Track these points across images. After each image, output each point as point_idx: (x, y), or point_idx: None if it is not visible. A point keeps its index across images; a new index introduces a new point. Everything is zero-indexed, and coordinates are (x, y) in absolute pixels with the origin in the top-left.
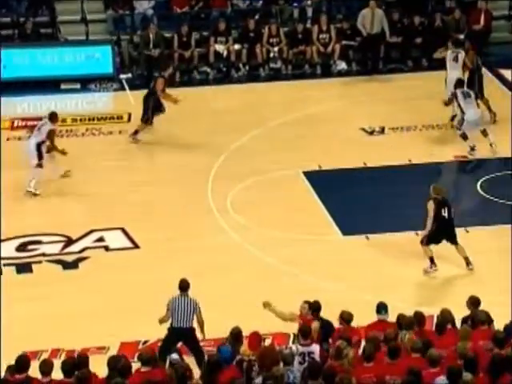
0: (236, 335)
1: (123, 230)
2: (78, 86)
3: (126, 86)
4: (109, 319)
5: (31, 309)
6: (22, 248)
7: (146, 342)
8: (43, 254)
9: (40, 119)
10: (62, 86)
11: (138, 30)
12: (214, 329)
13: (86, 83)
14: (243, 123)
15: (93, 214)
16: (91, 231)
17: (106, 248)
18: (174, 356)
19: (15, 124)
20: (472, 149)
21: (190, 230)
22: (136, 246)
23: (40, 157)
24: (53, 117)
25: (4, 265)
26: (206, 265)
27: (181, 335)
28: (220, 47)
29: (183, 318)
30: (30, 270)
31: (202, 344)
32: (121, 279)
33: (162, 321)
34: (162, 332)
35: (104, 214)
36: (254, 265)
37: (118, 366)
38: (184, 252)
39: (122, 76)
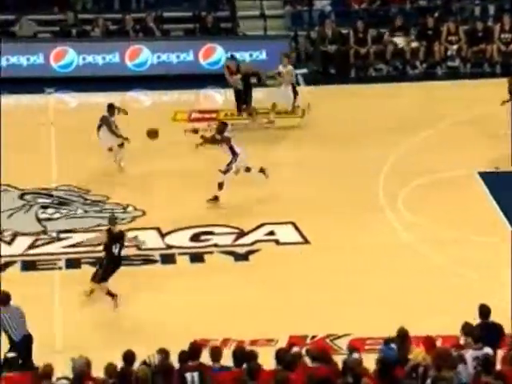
0: (403, 336)
1: (294, 225)
2: (254, 79)
3: (301, 82)
4: (278, 312)
5: (202, 298)
6: (195, 238)
7: (314, 337)
8: (215, 245)
9: (215, 112)
10: None
11: (316, 26)
12: (379, 327)
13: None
14: (416, 121)
15: (264, 207)
16: (262, 224)
17: (277, 242)
18: None
19: (192, 116)
20: None
21: (360, 228)
22: (306, 241)
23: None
24: (109, 108)
25: (178, 254)
26: (374, 263)
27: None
28: (399, 40)
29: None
30: (202, 260)
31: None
32: (290, 273)
33: None
34: (331, 328)
35: (275, 208)
36: (423, 264)
37: (285, 359)
38: (353, 249)
39: (297, 71)
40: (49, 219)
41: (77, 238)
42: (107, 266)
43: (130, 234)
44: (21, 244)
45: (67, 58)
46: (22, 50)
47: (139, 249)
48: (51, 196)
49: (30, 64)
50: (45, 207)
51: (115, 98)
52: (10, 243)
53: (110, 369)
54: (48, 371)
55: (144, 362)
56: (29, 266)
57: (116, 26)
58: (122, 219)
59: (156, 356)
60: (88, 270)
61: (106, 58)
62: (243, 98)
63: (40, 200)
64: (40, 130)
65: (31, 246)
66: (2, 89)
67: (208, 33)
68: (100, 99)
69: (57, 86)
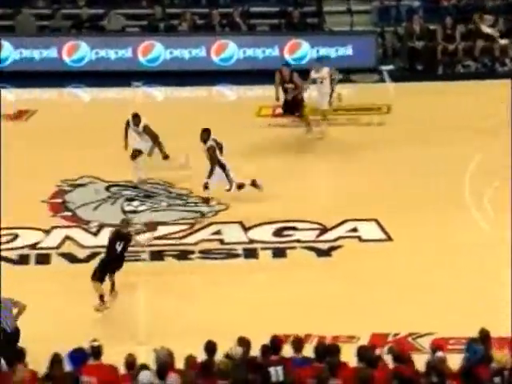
0: (484, 337)
1: (377, 222)
2: (340, 76)
3: (387, 78)
4: (360, 309)
5: (284, 293)
6: (278, 233)
7: (396, 335)
8: (298, 241)
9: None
10: None
11: (403, 22)
12: (462, 327)
13: (347, 73)
14: (505, 119)
15: (347, 204)
16: (345, 221)
17: (360, 238)
18: None
19: (276, 111)
20: None
21: (444, 226)
22: (389, 239)
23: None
24: (133, 118)
25: (261, 248)
26: (458, 262)
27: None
28: (488, 30)
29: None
30: (285, 255)
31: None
32: (373, 270)
33: None
34: (413, 326)
35: (358, 205)
36: (508, 265)
37: (367, 356)
38: (437, 248)
39: (384, 67)
40: (134, 211)
41: (161, 230)
42: (106, 265)
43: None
44: (106, 235)
45: (154, 52)
46: (111, 44)
47: (222, 243)
48: (137, 188)
49: (118, 58)
50: (130, 199)
51: (201, 92)
52: (95, 234)
53: (190, 360)
54: (131, 361)
55: (227, 355)
56: None
57: (203, 20)
58: (206, 213)
59: (237, 348)
60: (172, 263)
61: (192, 53)
62: (292, 109)
63: (126, 192)
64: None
65: None
66: (90, 82)
67: (294, 28)
68: (186, 93)
69: (144, 79)
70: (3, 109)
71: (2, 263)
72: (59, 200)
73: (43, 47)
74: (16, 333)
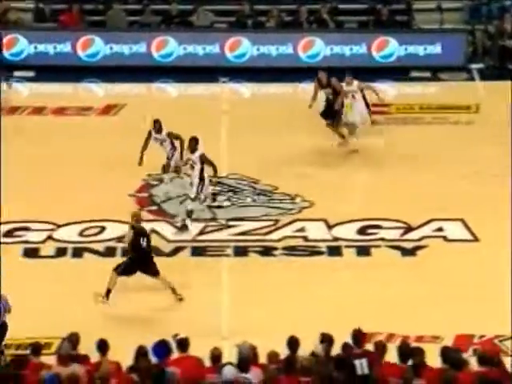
0: None
1: (463, 222)
2: (428, 74)
3: (477, 77)
4: (445, 309)
5: (367, 292)
6: (362, 231)
7: (482, 337)
8: (382, 239)
9: (387, 105)
10: (413, 74)
11: (494, 20)
12: None
13: (436, 71)
14: None
15: (433, 203)
16: (431, 220)
17: (445, 238)
18: None
19: None
20: None
21: None
22: (475, 239)
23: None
24: (154, 124)
25: (345, 246)
26: None
27: None
28: None
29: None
30: (369, 254)
31: None
32: (458, 271)
33: None
34: (499, 328)
35: (444, 205)
36: None
37: (451, 358)
38: None
39: (473, 66)
40: (219, 206)
41: (245, 226)
42: (132, 262)
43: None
44: (191, 230)
45: (242, 48)
46: (199, 40)
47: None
48: (222, 184)
49: (205, 53)
50: (215, 194)
51: (287, 89)
52: (181, 229)
53: (272, 356)
54: (217, 354)
55: (312, 353)
56: (198, 251)
57: (290, 17)
58: (290, 209)
59: (319, 346)
60: (256, 259)
61: (279, 49)
62: (330, 115)
63: (211, 187)
64: (213, 119)
65: (201, 232)
66: (178, 77)
67: (382, 26)
68: (273, 90)
69: (231, 75)
70: (93, 103)
71: (90, 255)
72: (146, 194)
73: (133, 42)
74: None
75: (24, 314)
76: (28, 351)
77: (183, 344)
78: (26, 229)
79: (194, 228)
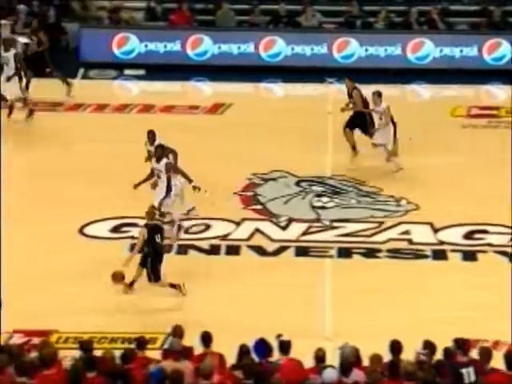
0: None
1: None
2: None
3: None
4: None
5: (473, 297)
6: (469, 236)
7: None
8: (490, 244)
9: (496, 108)
10: None
11: None
12: None
13: None
14: None
15: None
16: None
17: None
18: None
19: (472, 112)
20: None
21: None
22: None
23: None
24: (148, 135)
25: (451, 250)
26: None
27: None
28: None
29: None
30: (475, 259)
31: None
32: None
33: None
34: None
35: None
36: None
37: None
38: None
39: None
40: (323, 207)
41: (350, 227)
42: (155, 262)
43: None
44: (295, 230)
45: (349, 48)
46: (307, 40)
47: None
48: (326, 185)
49: (313, 54)
50: (319, 195)
51: (394, 90)
52: (284, 228)
53: (375, 359)
54: (321, 356)
55: (416, 358)
56: (302, 252)
57: (400, 18)
58: (395, 212)
59: (420, 350)
60: (360, 261)
61: (387, 50)
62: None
63: (315, 188)
64: (319, 119)
65: (305, 233)
66: (285, 77)
67: (495, 27)
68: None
69: (338, 76)
70: (200, 102)
71: (195, 252)
72: (250, 193)
73: (241, 42)
74: None
75: (128, 309)
76: (133, 346)
77: (285, 346)
78: (134, 225)
79: (298, 228)
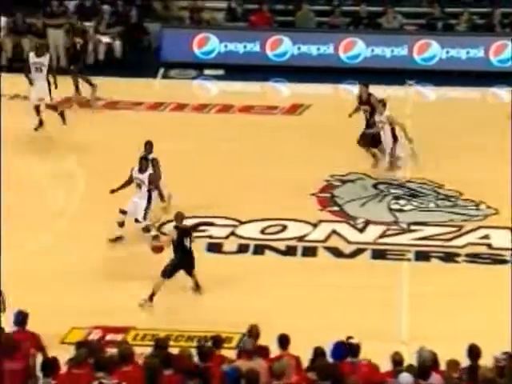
0: None
1: None
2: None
3: None
4: None
5: None
6: None
7: None
8: None
9: None
10: None
11: None
12: None
13: None
14: None
15: None
16: None
17: None
18: None
19: None
20: None
21: None
22: None
23: None
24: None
25: None
26: None
27: None
28: None
29: None
30: None
31: None
32: None
33: None
34: None
35: None
36: None
37: None
38: None
39: None
40: (400, 210)
41: (428, 231)
42: (178, 263)
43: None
44: (372, 232)
45: (430, 50)
46: (387, 42)
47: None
48: (404, 187)
49: (393, 56)
50: (397, 198)
51: (476, 94)
52: (361, 231)
53: (453, 364)
54: (398, 360)
55: (494, 364)
56: (378, 254)
57: (483, 20)
58: (475, 216)
59: (500, 356)
60: (438, 264)
61: (470, 53)
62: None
63: (393, 190)
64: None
65: (382, 235)
66: (364, 79)
67: None
68: (458, 94)
69: (418, 78)
70: (279, 102)
71: (271, 253)
72: (328, 194)
73: (320, 43)
74: None
75: (203, 308)
76: (209, 344)
77: (354, 349)
78: (211, 224)
79: (375, 231)
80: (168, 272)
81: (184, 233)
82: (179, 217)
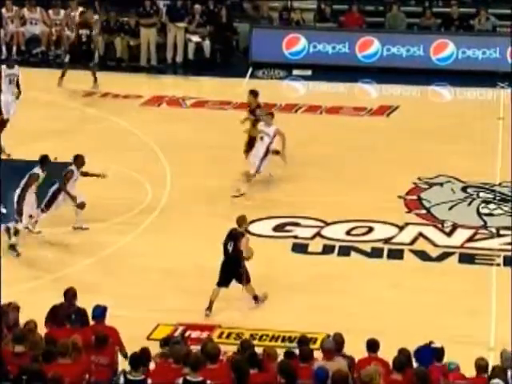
0: None
1: None
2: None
3: None
4: None
5: None
6: None
7: None
8: None
9: None
10: None
11: None
12: None
13: None
14: None
15: None
16: None
17: None
18: None
19: None
20: None
21: None
22: None
23: None
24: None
25: None
26: None
27: None
28: None
29: None
30: None
31: None
32: None
33: None
34: None
35: None
36: None
37: None
38: None
39: None
40: (490, 214)
41: None
42: (224, 268)
43: None
44: (460, 236)
45: None
46: (479, 44)
47: None
48: (494, 191)
49: (485, 57)
50: (487, 202)
51: None
52: (449, 234)
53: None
54: (483, 365)
55: None
56: (466, 259)
57: None
58: None
59: None
60: None
61: None
62: None
63: (482, 194)
64: (488, 125)
65: (470, 239)
66: (454, 81)
67: None
68: None
69: (510, 80)
70: (366, 104)
71: (357, 254)
72: (415, 197)
73: (410, 45)
74: None
75: (289, 307)
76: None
77: (437, 353)
78: (297, 224)
79: (463, 235)
80: (218, 279)
81: (230, 237)
82: (239, 221)
